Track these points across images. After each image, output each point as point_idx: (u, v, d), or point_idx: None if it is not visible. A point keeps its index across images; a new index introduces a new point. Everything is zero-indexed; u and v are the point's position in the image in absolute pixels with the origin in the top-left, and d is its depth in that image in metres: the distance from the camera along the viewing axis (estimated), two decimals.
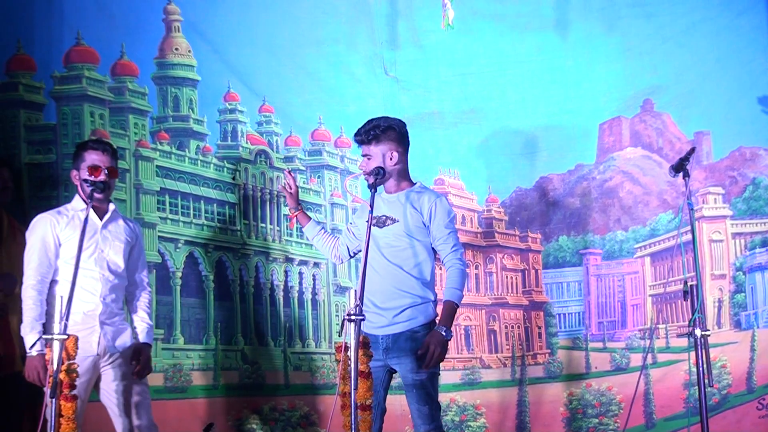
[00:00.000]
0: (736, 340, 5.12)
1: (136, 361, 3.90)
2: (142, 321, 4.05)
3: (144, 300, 4.10)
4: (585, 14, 5.27)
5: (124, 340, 3.97)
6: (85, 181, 3.86)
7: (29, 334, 3.72)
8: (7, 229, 4.57)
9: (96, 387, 3.94)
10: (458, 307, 3.80)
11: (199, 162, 5.34)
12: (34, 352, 3.68)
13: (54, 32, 5.15)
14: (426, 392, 3.76)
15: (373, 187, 3.72)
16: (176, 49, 5.33)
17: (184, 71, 5.34)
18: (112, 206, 4.00)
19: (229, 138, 5.40)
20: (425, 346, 3.68)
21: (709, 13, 5.19)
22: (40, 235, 3.85)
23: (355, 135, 3.94)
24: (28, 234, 3.90)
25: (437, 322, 3.80)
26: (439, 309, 3.84)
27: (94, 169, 3.86)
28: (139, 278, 4.11)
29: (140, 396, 3.91)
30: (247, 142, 5.41)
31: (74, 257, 3.63)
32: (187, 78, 5.35)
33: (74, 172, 3.96)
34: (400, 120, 3.99)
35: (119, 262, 3.96)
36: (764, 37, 5.16)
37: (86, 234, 3.69)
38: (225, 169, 5.38)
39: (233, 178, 5.37)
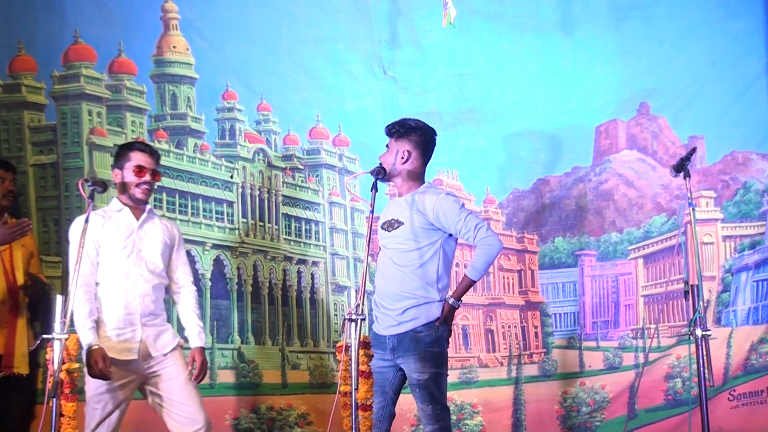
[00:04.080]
0: (714, 337, 5.02)
1: (192, 366, 3.88)
2: (192, 324, 3.98)
3: (191, 301, 4.02)
4: (583, 16, 5.23)
5: (166, 341, 3.88)
6: (118, 183, 3.87)
7: (82, 330, 3.64)
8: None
9: (142, 391, 3.90)
10: (474, 282, 3.87)
11: (197, 160, 5.27)
12: (92, 347, 3.60)
13: (54, 32, 5.07)
14: (429, 392, 3.72)
15: (374, 187, 3.64)
16: (174, 47, 5.25)
17: (182, 69, 5.26)
18: (148, 207, 3.95)
19: (227, 136, 5.33)
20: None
21: (706, 16, 5.16)
22: (78, 238, 3.68)
23: (386, 127, 3.97)
24: (70, 235, 3.82)
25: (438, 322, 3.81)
26: None
27: (140, 170, 3.84)
28: (183, 278, 4.03)
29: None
30: (245, 141, 5.34)
31: (112, 259, 3.76)
32: (185, 76, 5.27)
33: (116, 171, 3.91)
34: (431, 128, 4.00)
35: (157, 262, 3.90)
36: (759, 41, 5.15)
37: (123, 234, 3.81)
38: (223, 167, 5.32)
39: (231, 177, 5.30)
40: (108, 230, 3.83)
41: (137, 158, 3.86)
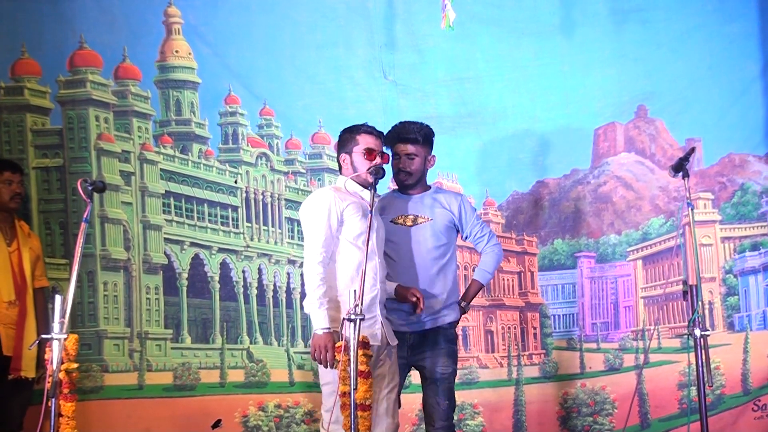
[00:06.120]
0: (729, 342, 5.05)
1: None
2: None
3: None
4: (582, 20, 5.13)
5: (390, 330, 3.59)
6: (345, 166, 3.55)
7: (317, 310, 3.31)
8: (21, 235, 4.40)
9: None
10: (483, 287, 3.95)
11: (201, 165, 5.19)
12: (320, 331, 3.29)
13: (60, 37, 4.98)
14: (449, 387, 3.71)
15: (374, 188, 3.49)
16: (177, 51, 5.16)
17: (185, 74, 5.17)
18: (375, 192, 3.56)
19: (230, 141, 5.24)
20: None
21: (702, 20, 5.08)
22: (325, 209, 3.42)
23: (403, 133, 3.75)
24: (309, 209, 3.47)
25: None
26: None
27: (369, 152, 3.51)
28: None
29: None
30: (248, 145, 5.26)
31: (356, 237, 3.39)
32: (188, 80, 5.18)
33: (344, 156, 3.56)
34: None
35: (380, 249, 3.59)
36: (755, 44, 5.08)
37: (362, 216, 3.42)
38: (227, 172, 5.24)
39: (235, 181, 5.23)
40: (352, 209, 3.45)
41: (366, 141, 3.53)
